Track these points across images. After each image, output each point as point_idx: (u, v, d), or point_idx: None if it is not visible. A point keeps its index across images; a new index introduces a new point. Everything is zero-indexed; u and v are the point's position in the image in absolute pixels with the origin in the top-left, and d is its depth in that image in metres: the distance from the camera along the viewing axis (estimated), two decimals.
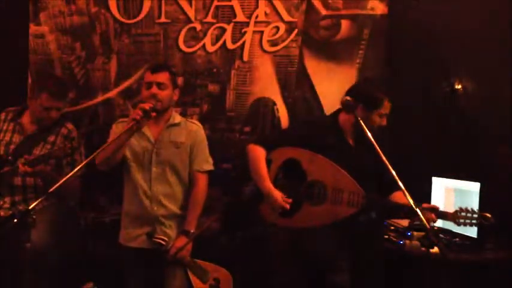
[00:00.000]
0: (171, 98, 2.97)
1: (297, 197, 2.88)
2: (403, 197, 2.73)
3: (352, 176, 2.85)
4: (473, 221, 2.71)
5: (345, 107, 2.76)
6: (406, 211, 2.77)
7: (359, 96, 2.85)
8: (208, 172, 3.06)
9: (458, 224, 2.73)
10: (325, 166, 2.87)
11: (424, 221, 2.22)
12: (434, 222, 2.79)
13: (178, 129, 3.01)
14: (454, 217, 2.73)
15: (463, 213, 2.71)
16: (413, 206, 2.25)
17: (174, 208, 2.96)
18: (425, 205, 2.76)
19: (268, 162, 2.95)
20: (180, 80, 3.83)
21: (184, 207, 3.00)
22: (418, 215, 2.23)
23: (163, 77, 2.91)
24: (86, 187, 3.33)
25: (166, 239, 2.89)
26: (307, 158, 2.90)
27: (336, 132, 2.97)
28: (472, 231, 3.10)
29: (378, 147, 2.40)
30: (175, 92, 3.00)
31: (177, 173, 2.98)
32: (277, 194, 2.87)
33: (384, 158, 2.34)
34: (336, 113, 3.03)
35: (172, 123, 3.00)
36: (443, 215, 2.81)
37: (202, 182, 3.02)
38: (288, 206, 2.85)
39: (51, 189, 2.26)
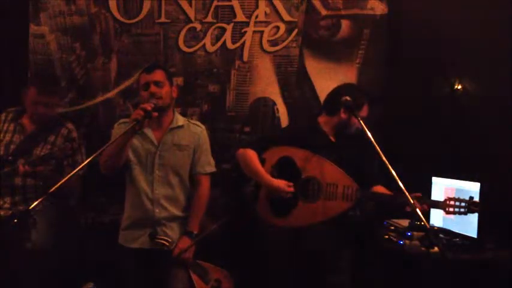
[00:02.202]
0: (170, 95, 2.96)
1: (292, 194, 2.89)
2: (385, 190, 2.86)
3: None
4: (462, 210, 2.73)
5: (345, 106, 2.84)
6: (398, 201, 2.77)
7: (341, 101, 2.91)
8: (211, 174, 3.07)
9: (448, 213, 2.76)
10: (319, 162, 2.89)
11: (415, 208, 2.25)
12: (426, 210, 2.80)
13: (181, 132, 3.01)
14: (443, 206, 2.76)
15: (452, 202, 2.74)
16: (410, 199, 2.28)
17: (176, 211, 2.96)
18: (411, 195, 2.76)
19: (262, 161, 2.97)
20: (180, 80, 3.84)
21: (186, 209, 2.99)
22: (410, 203, 2.26)
23: (158, 75, 2.91)
24: (86, 187, 3.33)
25: (169, 239, 2.89)
26: (301, 156, 2.92)
27: (318, 133, 2.99)
28: (472, 231, 3.10)
29: (375, 144, 2.41)
30: (173, 89, 2.99)
31: (180, 176, 2.98)
32: (279, 182, 2.89)
33: (384, 158, 2.36)
34: (315, 117, 3.07)
35: (175, 125, 2.99)
36: (434, 204, 2.83)
37: (205, 184, 3.03)
38: (293, 190, 2.87)
39: (51, 190, 2.25)
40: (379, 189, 2.95)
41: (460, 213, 2.74)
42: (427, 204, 2.78)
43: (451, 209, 2.75)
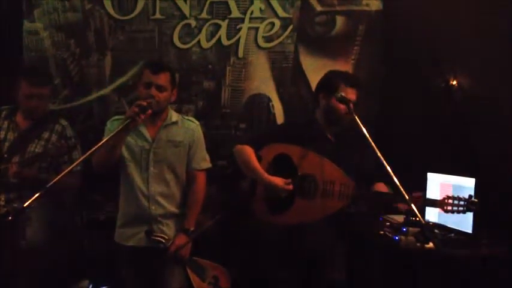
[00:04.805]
0: (169, 99, 2.93)
1: (289, 192, 2.88)
2: (385, 187, 2.81)
3: None
4: (461, 208, 2.70)
5: (340, 101, 2.81)
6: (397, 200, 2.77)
7: (319, 86, 3.00)
8: (206, 170, 3.06)
9: (447, 212, 2.72)
10: (316, 160, 2.87)
11: (418, 214, 2.23)
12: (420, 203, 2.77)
13: (175, 128, 2.99)
14: (442, 204, 2.73)
15: (451, 201, 2.71)
16: (406, 198, 2.26)
17: (171, 207, 2.95)
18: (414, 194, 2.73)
19: (259, 158, 2.95)
20: None
21: (182, 206, 2.98)
22: (408, 204, 2.25)
23: (163, 78, 2.84)
24: (81, 184, 3.32)
25: (165, 237, 2.88)
26: (298, 153, 2.90)
27: (314, 128, 2.98)
28: (467, 227, 3.11)
29: (370, 140, 2.40)
30: (174, 92, 2.95)
31: (175, 172, 2.96)
32: (278, 180, 2.87)
33: (377, 151, 2.35)
34: (313, 111, 3.06)
35: (169, 122, 2.97)
36: (432, 203, 2.81)
37: (200, 180, 3.01)
38: (291, 187, 2.85)
39: (47, 186, 2.24)
40: (380, 186, 2.91)
41: (458, 211, 2.71)
42: (429, 202, 2.75)
43: (449, 208, 2.71)
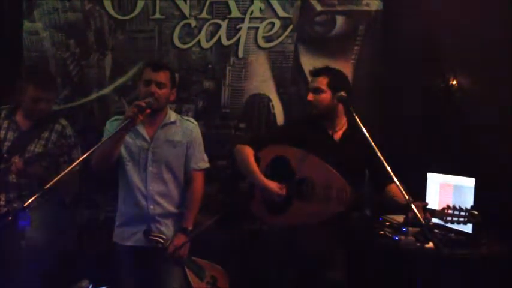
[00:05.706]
0: (168, 98, 2.94)
1: (286, 194, 2.88)
2: (396, 189, 2.76)
3: (336, 170, 2.85)
4: (461, 219, 2.64)
5: (340, 101, 2.84)
6: (400, 207, 2.74)
7: None
8: (205, 170, 3.06)
9: (446, 222, 2.66)
10: (314, 163, 2.87)
11: (418, 213, 2.22)
12: (429, 220, 2.74)
13: (174, 128, 3.00)
14: (441, 215, 2.67)
15: (451, 211, 2.65)
16: (406, 198, 2.24)
17: (170, 207, 2.96)
18: (415, 203, 2.71)
19: (257, 160, 2.95)
20: None
21: (181, 206, 2.99)
22: (412, 210, 2.23)
23: (163, 76, 2.88)
24: (81, 184, 3.32)
25: (164, 236, 2.89)
26: (296, 156, 2.90)
27: (317, 128, 2.97)
28: (467, 227, 3.10)
29: (371, 140, 2.40)
30: (173, 91, 2.98)
31: (173, 172, 2.97)
32: (273, 184, 2.88)
33: (377, 151, 2.35)
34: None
35: (168, 121, 2.98)
36: (431, 213, 2.78)
37: (199, 180, 3.02)
38: (284, 192, 2.85)
39: (47, 186, 2.25)
40: (394, 188, 2.85)
41: (458, 222, 2.64)
42: (430, 213, 2.65)
43: (449, 218, 2.64)
